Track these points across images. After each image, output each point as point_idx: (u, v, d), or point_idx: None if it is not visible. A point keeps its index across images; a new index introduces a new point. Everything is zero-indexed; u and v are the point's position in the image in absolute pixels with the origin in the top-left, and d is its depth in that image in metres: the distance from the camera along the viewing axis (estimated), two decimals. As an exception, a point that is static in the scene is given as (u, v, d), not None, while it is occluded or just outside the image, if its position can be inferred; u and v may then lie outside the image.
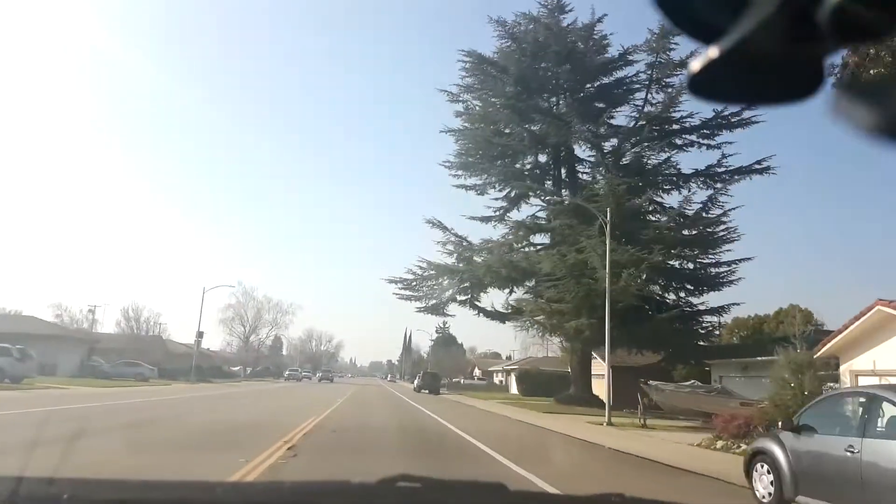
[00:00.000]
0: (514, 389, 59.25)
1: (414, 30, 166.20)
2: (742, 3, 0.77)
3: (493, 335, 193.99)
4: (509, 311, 36.73)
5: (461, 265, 37.52)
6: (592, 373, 36.26)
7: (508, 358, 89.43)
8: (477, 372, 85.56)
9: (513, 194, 37.71)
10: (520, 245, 37.18)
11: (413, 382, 65.11)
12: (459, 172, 38.21)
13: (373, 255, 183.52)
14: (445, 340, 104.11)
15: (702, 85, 0.85)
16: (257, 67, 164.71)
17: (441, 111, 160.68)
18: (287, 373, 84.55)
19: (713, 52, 0.80)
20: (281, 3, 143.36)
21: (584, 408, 29.31)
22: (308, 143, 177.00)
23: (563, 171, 38.06)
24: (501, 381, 71.85)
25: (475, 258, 37.27)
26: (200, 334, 55.33)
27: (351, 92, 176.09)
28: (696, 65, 0.82)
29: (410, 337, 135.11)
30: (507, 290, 36.81)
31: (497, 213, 38.11)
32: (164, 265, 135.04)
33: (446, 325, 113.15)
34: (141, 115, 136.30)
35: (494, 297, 45.18)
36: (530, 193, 37.11)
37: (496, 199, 38.25)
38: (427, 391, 51.45)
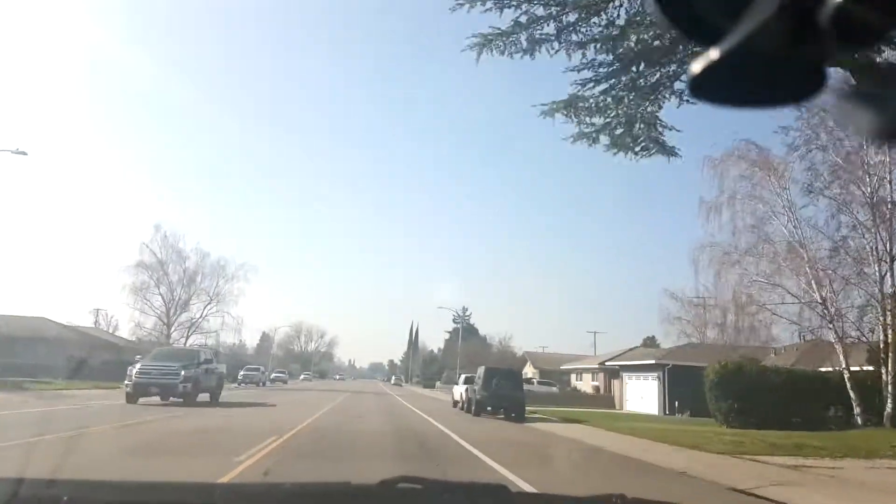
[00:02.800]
0: (634, 404, 37.90)
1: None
2: (743, 4, 0.77)
3: (524, 322, 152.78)
4: None
5: None
6: None
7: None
8: (529, 372, 55.28)
9: None
10: None
11: (454, 391, 33.00)
12: None
13: (371, 253, 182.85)
14: (464, 333, 78.73)
15: (703, 87, 0.85)
16: (256, 66, 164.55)
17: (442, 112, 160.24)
18: (242, 374, 53.08)
19: (714, 53, 0.80)
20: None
21: None
22: (303, 142, 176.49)
23: None
24: (598, 388, 45.89)
25: None
26: None
27: (354, 90, 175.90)
28: (696, 66, 0.82)
29: (417, 331, 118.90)
30: None
31: None
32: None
33: (467, 314, 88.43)
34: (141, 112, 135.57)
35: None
36: None
37: None
38: (492, 410, 24.76)
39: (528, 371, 56.62)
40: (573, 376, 51.59)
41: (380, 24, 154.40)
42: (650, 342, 44.01)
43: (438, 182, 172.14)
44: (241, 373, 53.18)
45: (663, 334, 48.30)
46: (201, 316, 54.98)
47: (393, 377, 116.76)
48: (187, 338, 53.03)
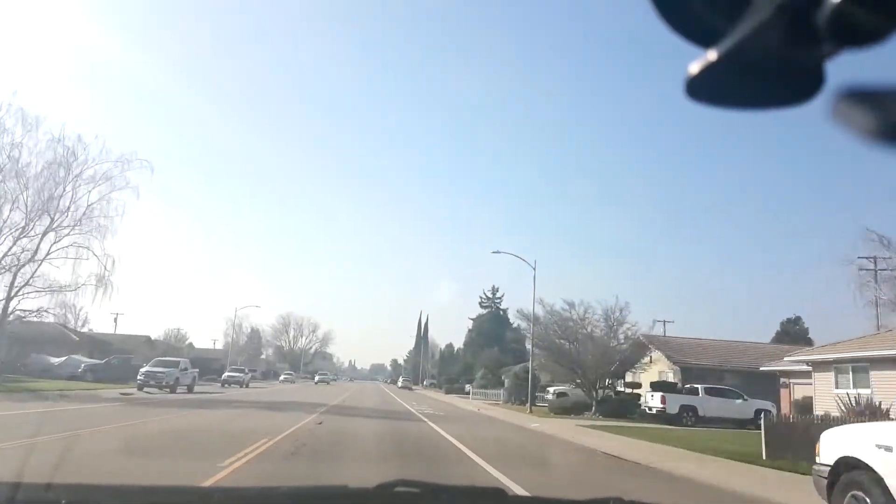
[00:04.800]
0: None
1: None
2: (740, 5, 0.77)
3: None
4: None
5: None
6: None
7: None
8: (657, 372, 32.99)
9: None
10: None
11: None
12: None
13: (370, 251, 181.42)
14: (491, 321, 62.65)
15: (700, 89, 0.85)
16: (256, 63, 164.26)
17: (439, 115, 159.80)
18: (142, 374, 32.56)
19: (712, 55, 0.80)
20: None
21: None
22: (301, 137, 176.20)
23: None
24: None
25: None
26: None
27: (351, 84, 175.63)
28: (694, 68, 0.82)
29: (427, 323, 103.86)
30: None
31: None
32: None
33: (497, 296, 69.01)
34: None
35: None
36: None
37: None
38: None
39: (655, 369, 32.55)
40: (797, 384, 26.44)
41: (382, 22, 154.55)
42: (791, 327, 25.55)
43: (437, 176, 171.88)
44: (144, 369, 33.34)
45: (879, 312, 28.74)
46: (35, 253, 28.14)
47: (400, 378, 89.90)
48: (9, 297, 28.15)
